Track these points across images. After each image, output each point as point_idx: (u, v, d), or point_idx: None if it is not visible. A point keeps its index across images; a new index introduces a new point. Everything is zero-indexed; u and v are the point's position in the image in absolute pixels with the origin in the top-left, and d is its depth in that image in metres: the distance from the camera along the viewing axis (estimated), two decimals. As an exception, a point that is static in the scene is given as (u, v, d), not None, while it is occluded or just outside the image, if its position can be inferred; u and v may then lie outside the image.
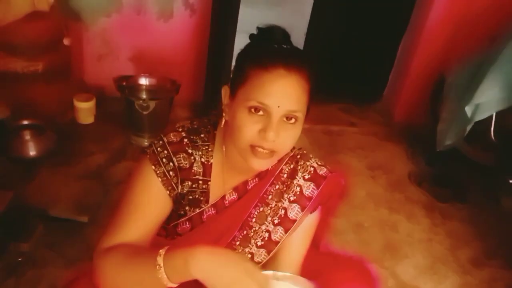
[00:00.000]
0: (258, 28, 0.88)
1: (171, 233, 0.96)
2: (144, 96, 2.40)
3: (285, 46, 0.85)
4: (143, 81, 2.49)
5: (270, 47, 0.84)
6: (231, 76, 0.88)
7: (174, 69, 2.73)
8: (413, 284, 1.85)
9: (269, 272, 0.96)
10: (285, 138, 0.84)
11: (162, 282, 0.73)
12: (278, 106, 0.81)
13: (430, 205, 2.38)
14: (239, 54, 0.88)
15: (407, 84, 3.05)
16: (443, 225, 2.25)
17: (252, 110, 0.81)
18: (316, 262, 1.07)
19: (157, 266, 0.73)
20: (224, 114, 0.90)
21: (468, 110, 2.10)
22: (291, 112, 0.82)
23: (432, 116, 2.62)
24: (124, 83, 2.39)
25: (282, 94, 0.81)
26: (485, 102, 2.05)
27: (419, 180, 2.54)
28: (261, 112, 0.81)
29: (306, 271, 1.03)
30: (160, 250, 0.75)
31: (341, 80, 3.14)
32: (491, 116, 2.16)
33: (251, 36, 0.89)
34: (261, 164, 0.87)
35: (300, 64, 0.82)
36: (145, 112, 2.32)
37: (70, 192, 1.95)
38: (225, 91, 0.89)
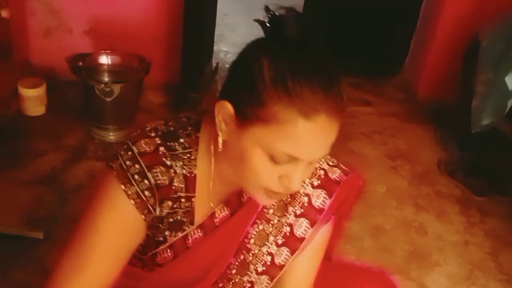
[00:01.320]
0: (270, 16, 0.80)
1: (148, 264, 0.94)
2: (106, 78, 2.36)
3: (316, 63, 0.77)
4: (104, 59, 2.46)
5: (304, 81, 0.74)
6: (235, 89, 0.79)
7: (143, 43, 2.70)
8: (447, 298, 1.87)
9: None
10: (305, 177, 0.85)
11: None
12: (311, 157, 0.80)
13: (465, 200, 2.39)
14: (248, 62, 0.77)
15: (432, 51, 3.04)
16: (482, 224, 2.26)
17: (276, 159, 0.78)
18: (329, 279, 1.06)
19: None
20: (220, 133, 0.82)
21: (509, 81, 2.10)
22: (322, 157, 0.84)
23: (465, 90, 2.60)
24: (81, 63, 2.36)
25: (319, 145, 0.78)
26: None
27: (450, 169, 2.54)
28: (285, 160, 0.78)
29: None
30: None
31: (351, 48, 3.12)
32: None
33: (264, 26, 0.81)
34: (271, 202, 0.89)
35: (343, 106, 0.78)
36: (108, 99, 2.30)
37: (18, 202, 1.92)
38: (224, 109, 0.80)
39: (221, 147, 0.83)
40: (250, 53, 0.79)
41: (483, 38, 2.45)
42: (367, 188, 2.31)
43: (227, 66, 3.39)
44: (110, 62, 2.46)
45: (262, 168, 0.78)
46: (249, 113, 0.76)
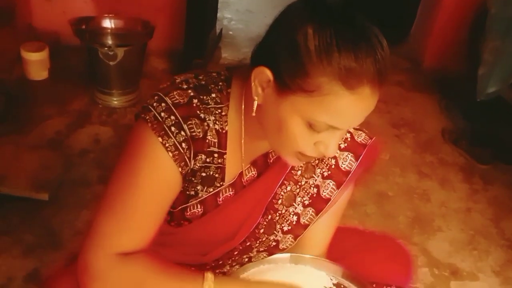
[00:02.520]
0: None
1: (176, 218, 0.93)
2: (109, 42, 2.34)
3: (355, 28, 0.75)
4: (108, 23, 2.44)
5: (350, 52, 0.72)
6: (276, 56, 0.76)
7: (146, 7, 2.66)
8: (448, 262, 1.88)
9: (285, 255, 0.99)
10: (339, 142, 0.86)
11: None
12: (350, 126, 0.81)
13: (469, 168, 2.39)
14: (291, 30, 0.74)
15: (439, 19, 3.00)
16: (484, 192, 2.27)
17: (315, 128, 0.78)
18: (342, 241, 1.09)
19: None
20: (256, 97, 0.81)
21: (517, 48, 2.08)
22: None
23: (471, 58, 2.58)
24: (84, 27, 2.34)
25: (359, 116, 0.78)
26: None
27: (455, 138, 2.54)
28: (324, 128, 0.78)
29: (330, 250, 1.05)
30: (207, 274, 0.82)
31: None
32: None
33: None
34: (301, 164, 0.91)
35: (386, 76, 0.76)
36: (112, 63, 2.28)
37: (24, 166, 1.93)
38: (262, 75, 0.78)
39: (254, 112, 0.82)
40: (293, 19, 0.76)
41: (491, 5, 2.41)
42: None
43: (230, 32, 3.39)
44: (113, 26, 2.44)
45: (300, 135, 0.78)
46: (291, 82, 0.75)
